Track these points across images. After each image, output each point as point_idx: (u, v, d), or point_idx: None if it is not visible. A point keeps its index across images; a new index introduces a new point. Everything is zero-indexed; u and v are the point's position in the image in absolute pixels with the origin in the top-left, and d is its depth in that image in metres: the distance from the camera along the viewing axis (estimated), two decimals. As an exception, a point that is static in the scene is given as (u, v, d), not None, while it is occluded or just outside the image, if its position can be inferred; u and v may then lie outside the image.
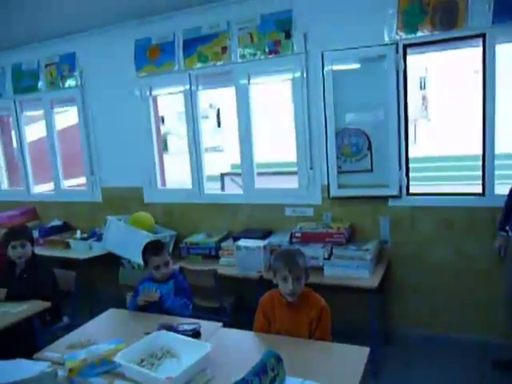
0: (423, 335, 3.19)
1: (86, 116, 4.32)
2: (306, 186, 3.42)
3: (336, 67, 3.20)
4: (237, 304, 3.40)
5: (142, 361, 1.94)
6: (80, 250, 4.05)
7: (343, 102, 3.22)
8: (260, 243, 3.15)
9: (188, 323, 2.24)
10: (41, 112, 4.65)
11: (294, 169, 3.57)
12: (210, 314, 3.31)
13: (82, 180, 4.89)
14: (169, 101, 3.79)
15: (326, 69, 3.20)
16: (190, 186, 3.92)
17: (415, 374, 2.87)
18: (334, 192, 3.29)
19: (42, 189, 5.06)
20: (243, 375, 1.78)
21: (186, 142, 3.83)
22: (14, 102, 4.72)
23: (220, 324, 2.32)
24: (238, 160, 3.75)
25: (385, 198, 3.21)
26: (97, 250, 3.99)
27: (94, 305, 3.96)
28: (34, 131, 5.32)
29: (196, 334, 2.15)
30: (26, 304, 2.77)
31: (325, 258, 2.99)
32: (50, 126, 4.60)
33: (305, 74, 3.30)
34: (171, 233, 3.88)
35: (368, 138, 3.19)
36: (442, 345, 3.11)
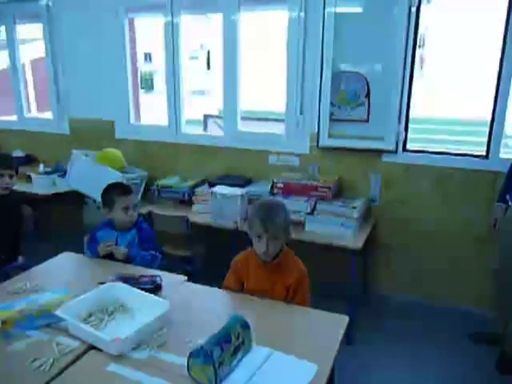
0: (405, 301, 3.03)
1: (53, 37, 3.82)
2: (293, 132, 3.10)
3: (340, 9, 2.79)
4: (207, 254, 3.17)
5: (90, 315, 1.69)
6: (42, 185, 3.70)
7: (344, 46, 2.85)
8: (238, 191, 2.87)
9: (149, 275, 1.99)
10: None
11: (282, 117, 3.22)
12: (179, 263, 3.09)
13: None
14: (157, 36, 3.38)
15: (327, 10, 2.80)
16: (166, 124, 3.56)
17: (391, 340, 2.71)
18: (324, 141, 2.99)
19: (4, 118, 4.61)
20: (203, 342, 1.56)
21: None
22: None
23: (184, 277, 2.07)
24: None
25: (379, 152, 2.92)
26: (61, 186, 3.66)
27: (55, 246, 3.69)
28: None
29: (156, 288, 1.91)
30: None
31: (307, 213, 2.74)
32: (12, 46, 4.09)
33: (302, 13, 2.88)
34: (142, 173, 3.55)
35: (367, 85, 2.85)
36: (424, 313, 2.96)
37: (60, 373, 1.42)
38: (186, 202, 3.20)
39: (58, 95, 3.94)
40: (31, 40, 4.93)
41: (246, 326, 1.50)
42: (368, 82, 2.85)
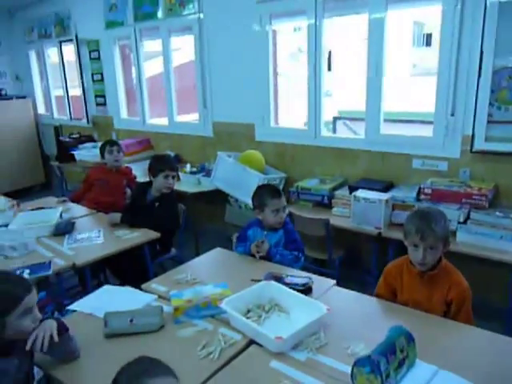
0: None
1: (202, 46, 4.13)
2: (443, 135, 2.90)
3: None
4: (346, 259, 3.13)
5: (249, 311, 1.79)
6: (189, 183, 4.04)
7: (507, 39, 2.57)
8: (382, 196, 2.78)
9: (299, 276, 2.03)
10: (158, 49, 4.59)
11: (427, 118, 3.03)
12: (316, 266, 3.11)
13: (195, 117, 4.84)
14: (281, 40, 3.51)
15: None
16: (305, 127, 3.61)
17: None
18: (480, 145, 2.73)
19: (155, 121, 5.12)
20: (361, 349, 1.55)
21: (295, 84, 3.45)
22: (134, 30, 4.70)
23: (333, 281, 2.07)
24: (346, 106, 3.31)
25: (546, 158, 2.59)
26: (205, 185, 3.95)
27: (199, 240, 4.00)
28: (152, 67, 5.33)
29: (307, 290, 1.94)
30: (137, 232, 2.79)
31: (459, 222, 2.54)
32: (167, 58, 4.52)
33: (459, 6, 2.67)
34: (282, 175, 3.66)
35: (536, 81, 2.54)
36: None
37: (227, 363, 1.52)
38: (325, 204, 3.20)
39: (204, 100, 4.24)
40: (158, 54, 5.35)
41: (410, 338, 1.45)
42: (537, 79, 2.54)
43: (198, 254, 3.86)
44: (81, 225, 2.98)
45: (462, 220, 2.54)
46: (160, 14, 4.38)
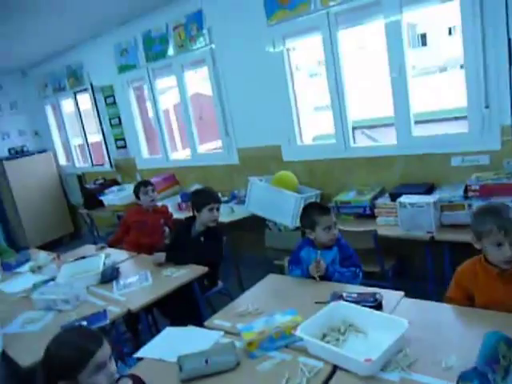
0: None
1: (217, 75, 4.17)
2: (479, 128, 2.83)
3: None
4: (398, 268, 3.04)
5: (325, 336, 1.72)
6: (222, 213, 3.99)
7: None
8: (428, 199, 2.70)
9: (366, 293, 1.96)
10: (171, 81, 4.65)
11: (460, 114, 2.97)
12: (369, 280, 3.02)
13: (215, 144, 4.87)
14: (298, 55, 3.54)
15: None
16: (333, 141, 3.57)
17: None
18: (523, 133, 2.67)
19: (177, 156, 5.15)
20: (454, 361, 1.46)
21: (312, 97, 3.43)
22: (147, 70, 4.78)
23: (401, 293, 1.99)
24: (359, 115, 3.27)
25: None
26: (239, 212, 3.91)
27: (241, 269, 3.94)
28: (166, 100, 5.41)
29: (378, 306, 1.86)
30: (184, 269, 2.76)
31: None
32: (183, 92, 4.57)
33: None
34: (315, 192, 3.61)
35: None
36: None
37: (317, 393, 1.45)
38: (367, 215, 3.13)
39: (225, 129, 4.26)
40: (168, 88, 5.45)
41: (510, 343, 1.36)
42: None
43: (241, 284, 3.86)
44: (125, 269, 2.96)
45: (518, 212, 2.44)
46: (171, 51, 4.45)
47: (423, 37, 21.27)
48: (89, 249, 3.65)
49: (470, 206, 2.62)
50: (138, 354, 1.90)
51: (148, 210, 3.68)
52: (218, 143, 4.79)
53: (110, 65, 5.18)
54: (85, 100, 5.92)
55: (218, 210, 2.99)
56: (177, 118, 5.41)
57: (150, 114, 5.23)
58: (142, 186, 3.66)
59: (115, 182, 5.68)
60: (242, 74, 3.99)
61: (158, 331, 2.97)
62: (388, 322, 1.67)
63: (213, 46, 4.09)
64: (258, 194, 3.60)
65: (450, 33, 21.29)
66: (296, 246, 2.52)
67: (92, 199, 5.40)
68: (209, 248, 2.91)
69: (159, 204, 3.97)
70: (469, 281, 1.84)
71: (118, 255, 3.32)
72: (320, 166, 3.71)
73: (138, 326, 3.03)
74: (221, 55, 4.08)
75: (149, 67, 4.76)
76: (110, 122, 5.64)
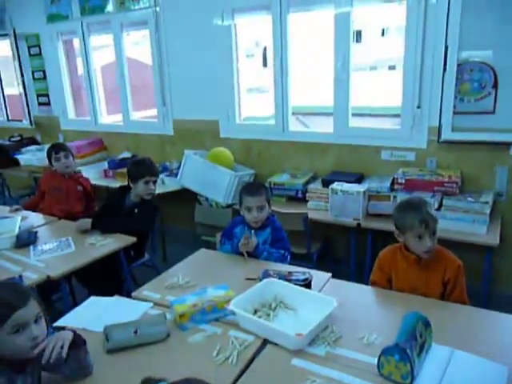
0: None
1: (159, 41, 3.98)
2: (410, 126, 3.02)
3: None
4: (323, 251, 3.17)
5: (256, 311, 1.75)
6: (152, 184, 3.88)
7: (467, 34, 2.71)
8: (358, 188, 2.84)
9: (297, 272, 2.02)
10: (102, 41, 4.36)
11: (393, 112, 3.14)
12: (295, 260, 3.11)
13: (150, 113, 4.66)
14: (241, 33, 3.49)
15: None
16: (272, 122, 3.60)
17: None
18: (447, 135, 2.88)
19: (108, 120, 4.87)
20: (375, 338, 1.57)
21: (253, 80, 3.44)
22: (81, 25, 4.43)
23: (329, 275, 2.09)
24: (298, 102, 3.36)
25: (506, 145, 2.78)
26: (169, 185, 3.82)
27: (166, 242, 3.87)
28: (100, 59, 5.05)
29: (307, 285, 1.93)
30: (110, 237, 2.64)
31: (434, 209, 2.65)
32: (119, 53, 4.31)
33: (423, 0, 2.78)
34: (250, 171, 3.63)
35: (495, 74, 2.72)
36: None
37: (247, 366, 1.48)
38: (299, 198, 3.22)
39: (163, 98, 4.10)
40: (100, 47, 5.12)
41: (427, 323, 1.49)
42: (495, 72, 2.71)
43: (165, 257, 3.80)
44: (44, 234, 2.77)
45: (436, 207, 2.66)
46: (110, 7, 4.16)
47: (359, 34, 21.98)
48: (1, 210, 3.35)
49: (395, 197, 2.81)
50: (59, 323, 1.79)
51: (64, 176, 3.42)
52: (147, 112, 4.61)
53: (38, 12, 4.73)
54: (4, 46, 5.35)
55: (154, 183, 2.88)
56: (103, 81, 5.07)
57: (80, 71, 4.87)
58: (53, 151, 3.35)
59: (34, 141, 5.26)
60: (185, 43, 3.85)
61: (75, 302, 2.87)
62: (317, 300, 1.74)
63: (157, 8, 3.89)
64: (192, 168, 3.54)
65: (382, 34, 22.26)
66: (231, 222, 2.53)
67: (5, 157, 4.94)
68: (141, 220, 2.82)
69: (83, 171, 3.74)
70: (389, 265, 1.98)
71: (35, 219, 3.09)
72: (257, 146, 3.72)
73: (52, 295, 2.86)
74: (165, 20, 3.90)
75: (83, 21, 4.41)
76: (33, 75, 5.17)
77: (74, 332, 1.39)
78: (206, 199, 3.53)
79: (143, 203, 2.88)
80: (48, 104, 5.16)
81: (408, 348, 1.35)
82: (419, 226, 1.81)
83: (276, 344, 1.56)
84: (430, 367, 1.41)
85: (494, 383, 1.34)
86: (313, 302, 1.74)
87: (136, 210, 2.85)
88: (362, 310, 1.80)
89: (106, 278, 2.68)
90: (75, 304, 2.32)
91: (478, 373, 1.38)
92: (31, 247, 2.54)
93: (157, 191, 3.65)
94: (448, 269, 1.87)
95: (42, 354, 1.27)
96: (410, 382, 1.33)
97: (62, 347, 1.30)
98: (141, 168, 2.90)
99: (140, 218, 2.82)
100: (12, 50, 5.17)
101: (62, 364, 1.33)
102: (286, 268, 2.12)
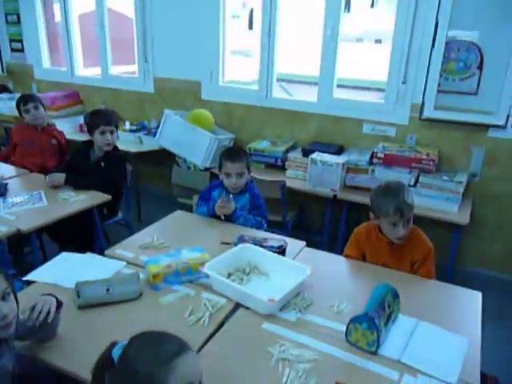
0: (494, 277, 3.00)
1: (142, -8, 3.79)
2: (393, 102, 3.02)
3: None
4: (298, 220, 3.20)
5: (230, 275, 1.76)
6: (129, 142, 3.79)
7: (457, 12, 2.68)
8: (338, 159, 2.85)
9: (272, 238, 2.04)
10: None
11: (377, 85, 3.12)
12: (270, 228, 3.14)
13: (122, 69, 4.49)
14: None
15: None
16: (255, 87, 3.53)
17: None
18: (429, 113, 2.90)
19: (86, 73, 4.67)
20: (344, 307, 1.61)
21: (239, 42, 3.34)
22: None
23: (303, 243, 2.11)
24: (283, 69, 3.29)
25: (484, 127, 2.82)
26: (147, 144, 3.74)
27: (141, 202, 3.82)
28: (79, 7, 4.77)
29: (282, 252, 1.95)
30: (83, 194, 2.59)
31: (409, 185, 2.70)
32: (99, 1, 4.09)
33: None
34: (230, 136, 3.58)
35: (481, 55, 2.72)
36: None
37: (218, 328, 1.50)
38: (278, 166, 3.21)
39: (144, 53, 3.94)
40: None
41: (395, 295, 1.53)
42: (482, 53, 2.71)
43: (139, 218, 3.76)
44: (14, 186, 2.68)
45: (412, 183, 2.70)
46: None
47: (348, 2, 21.45)
48: (-31, 159, 3.23)
49: (373, 171, 2.83)
50: (29, 277, 1.76)
51: (36, 128, 3.28)
52: (125, 68, 4.43)
53: None
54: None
55: (111, 133, 2.77)
56: (82, 30, 4.81)
57: (58, 18, 4.61)
58: (21, 102, 3.21)
59: (5, 89, 5.01)
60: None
61: (45, 256, 2.83)
62: (291, 268, 1.76)
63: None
64: (171, 128, 3.46)
65: (372, 5, 21.80)
66: (209, 184, 2.51)
67: (-25, 104, 4.71)
68: (110, 174, 2.75)
69: (57, 124, 3.59)
70: (363, 241, 2.00)
71: (5, 170, 2.99)
72: (238, 111, 3.66)
73: (23, 249, 2.81)
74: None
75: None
76: (6, 19, 4.87)
77: (56, 297, 1.37)
78: (184, 161, 3.48)
79: (108, 155, 2.82)
80: (22, 51, 4.90)
81: (376, 317, 1.39)
82: (394, 215, 1.79)
83: (248, 308, 1.59)
84: (395, 336, 1.46)
85: (455, 353, 1.40)
86: (286, 269, 1.76)
87: (102, 164, 2.79)
88: (334, 279, 1.84)
89: (78, 234, 2.64)
90: (45, 259, 2.30)
91: (440, 343, 1.45)
92: (1, 199, 2.47)
93: (134, 149, 3.62)
94: (417, 250, 1.90)
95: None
96: (375, 350, 1.37)
97: (48, 312, 1.29)
98: (95, 118, 2.81)
99: (108, 172, 2.77)
100: (-17, -12, 4.83)
101: (37, 330, 1.30)
102: (261, 234, 2.13)
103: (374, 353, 1.37)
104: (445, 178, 2.68)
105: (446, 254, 2.69)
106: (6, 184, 2.62)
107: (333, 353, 1.39)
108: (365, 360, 1.36)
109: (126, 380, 0.97)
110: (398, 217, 1.80)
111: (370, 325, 1.37)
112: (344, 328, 1.43)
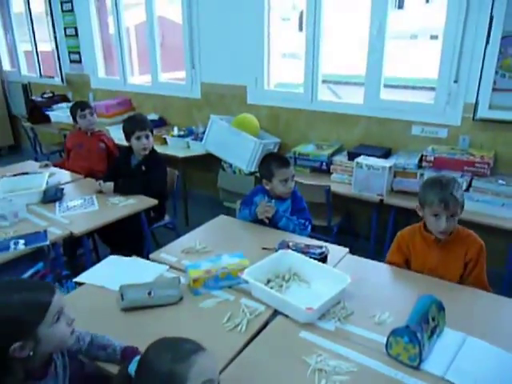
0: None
1: (190, 1, 3.88)
2: (444, 102, 2.88)
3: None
4: (343, 225, 3.14)
5: (269, 281, 1.75)
6: (177, 147, 3.90)
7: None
8: (384, 163, 2.76)
9: (314, 245, 2.01)
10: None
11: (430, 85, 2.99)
12: (314, 233, 3.10)
13: (173, 75, 4.61)
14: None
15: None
16: (301, 90, 3.50)
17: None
18: (483, 113, 2.73)
19: (137, 80, 4.86)
20: (387, 317, 1.56)
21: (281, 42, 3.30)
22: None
23: (346, 250, 2.06)
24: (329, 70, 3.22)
25: (546, 127, 2.62)
26: (195, 149, 3.82)
27: (189, 206, 3.91)
28: (134, 18, 4.98)
29: (323, 259, 1.92)
30: (132, 198, 2.68)
31: (462, 191, 2.56)
32: (149, 11, 4.24)
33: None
34: (276, 140, 3.58)
35: (542, 48, 2.54)
36: None
37: (256, 335, 1.49)
38: (323, 170, 3.17)
39: (192, 60, 4.04)
40: (134, 5, 5.02)
41: (440, 307, 1.46)
42: (543, 46, 2.53)
43: (187, 221, 3.85)
44: (69, 191, 2.84)
45: (464, 188, 2.57)
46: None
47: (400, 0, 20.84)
48: (31, 165, 3.45)
49: (422, 175, 2.72)
50: (79, 279, 1.85)
51: (86, 133, 3.45)
52: (176, 74, 4.55)
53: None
54: (38, 2, 5.34)
55: (147, 137, 2.85)
56: (137, 40, 5.02)
57: (111, 30, 4.83)
58: (78, 108, 3.39)
59: (65, 99, 5.31)
60: (217, 3, 3.74)
61: (98, 258, 2.96)
62: (331, 275, 1.72)
63: (190, -33, 3.77)
64: (217, 133, 3.51)
65: (427, 0, 21.02)
66: (251, 190, 2.51)
67: (38, 113, 5.04)
68: (151, 177, 2.84)
69: (110, 130, 3.76)
70: (408, 245, 1.93)
71: (62, 175, 3.17)
72: (284, 115, 3.65)
73: (77, 251, 2.96)
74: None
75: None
76: (65, 32, 5.17)
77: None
78: (230, 165, 3.52)
79: (147, 158, 2.90)
80: (79, 62, 5.18)
81: (418, 331, 1.33)
82: (438, 205, 1.74)
83: (286, 316, 1.57)
84: (440, 351, 1.39)
85: (505, 373, 1.31)
86: (327, 276, 1.73)
87: (143, 168, 2.88)
88: (376, 287, 1.78)
89: (128, 237, 2.74)
90: (98, 260, 2.40)
91: (489, 361, 1.35)
92: (57, 203, 2.62)
93: (182, 154, 3.71)
94: (470, 249, 1.82)
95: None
96: (417, 364, 1.31)
97: None
98: (130, 124, 2.90)
99: (151, 175, 2.85)
100: (45, 4, 5.16)
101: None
102: (303, 240, 2.10)
103: (416, 368, 1.31)
104: (501, 182, 2.52)
105: (501, 264, 2.52)
106: (63, 189, 2.77)
107: (372, 366, 1.34)
108: (406, 375, 1.30)
109: (148, 382, 0.99)
110: (442, 208, 1.74)
111: (411, 338, 1.31)
112: (385, 340, 1.38)
